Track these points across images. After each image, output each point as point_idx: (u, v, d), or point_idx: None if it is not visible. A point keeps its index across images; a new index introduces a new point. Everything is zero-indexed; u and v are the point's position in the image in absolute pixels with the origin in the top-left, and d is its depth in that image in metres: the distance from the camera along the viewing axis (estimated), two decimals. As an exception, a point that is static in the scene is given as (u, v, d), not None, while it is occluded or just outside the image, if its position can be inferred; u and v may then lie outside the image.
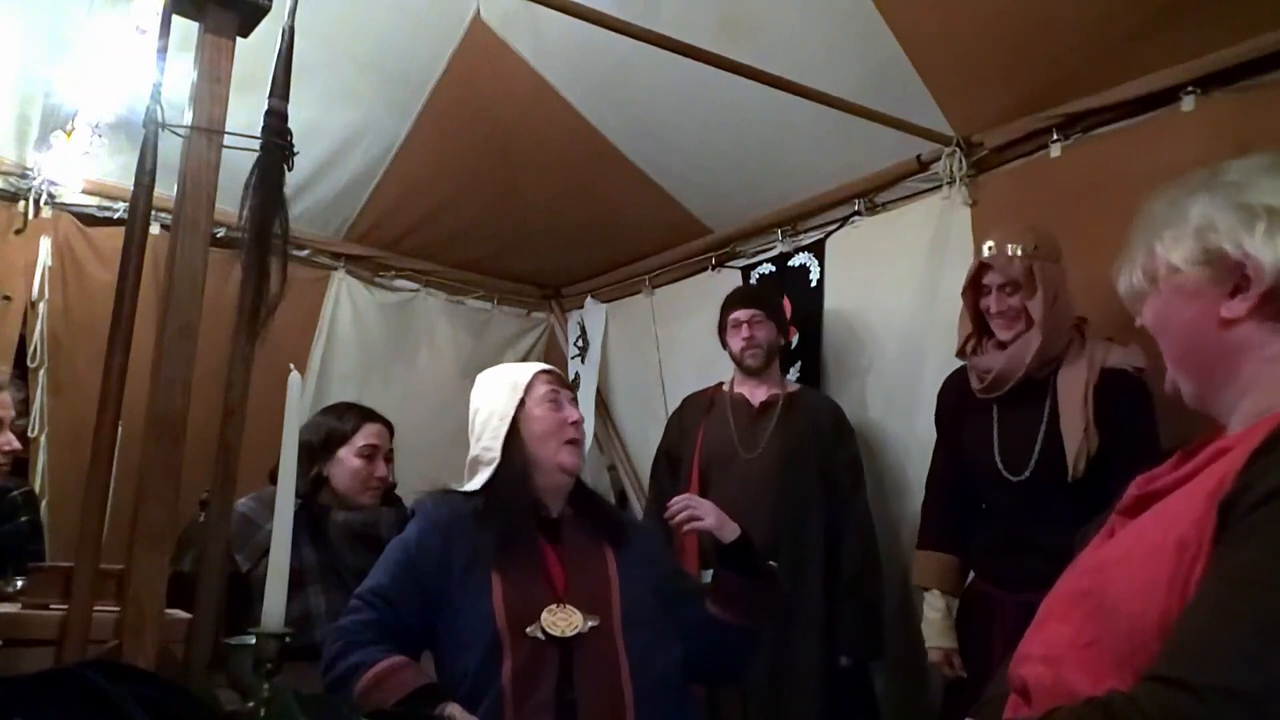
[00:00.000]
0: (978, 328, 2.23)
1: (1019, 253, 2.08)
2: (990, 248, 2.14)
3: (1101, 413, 1.97)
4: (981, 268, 2.17)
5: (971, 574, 2.25)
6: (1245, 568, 0.76)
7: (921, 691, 2.60)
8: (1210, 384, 0.96)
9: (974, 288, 2.21)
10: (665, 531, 2.76)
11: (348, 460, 2.28)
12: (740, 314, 2.81)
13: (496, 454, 1.76)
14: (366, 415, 2.38)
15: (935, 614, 2.24)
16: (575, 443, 1.81)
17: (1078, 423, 1.97)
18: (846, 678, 2.52)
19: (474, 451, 1.82)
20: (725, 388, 2.90)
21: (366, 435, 2.31)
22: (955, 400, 2.31)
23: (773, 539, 2.58)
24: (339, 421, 2.32)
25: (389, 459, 2.36)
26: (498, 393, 1.83)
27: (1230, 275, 0.91)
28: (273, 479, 2.22)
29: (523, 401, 1.80)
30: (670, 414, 3.09)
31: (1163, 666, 0.76)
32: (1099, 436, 1.96)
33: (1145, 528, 0.90)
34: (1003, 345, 2.13)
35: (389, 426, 2.40)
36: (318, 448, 2.27)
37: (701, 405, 2.92)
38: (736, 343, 2.81)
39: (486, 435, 1.80)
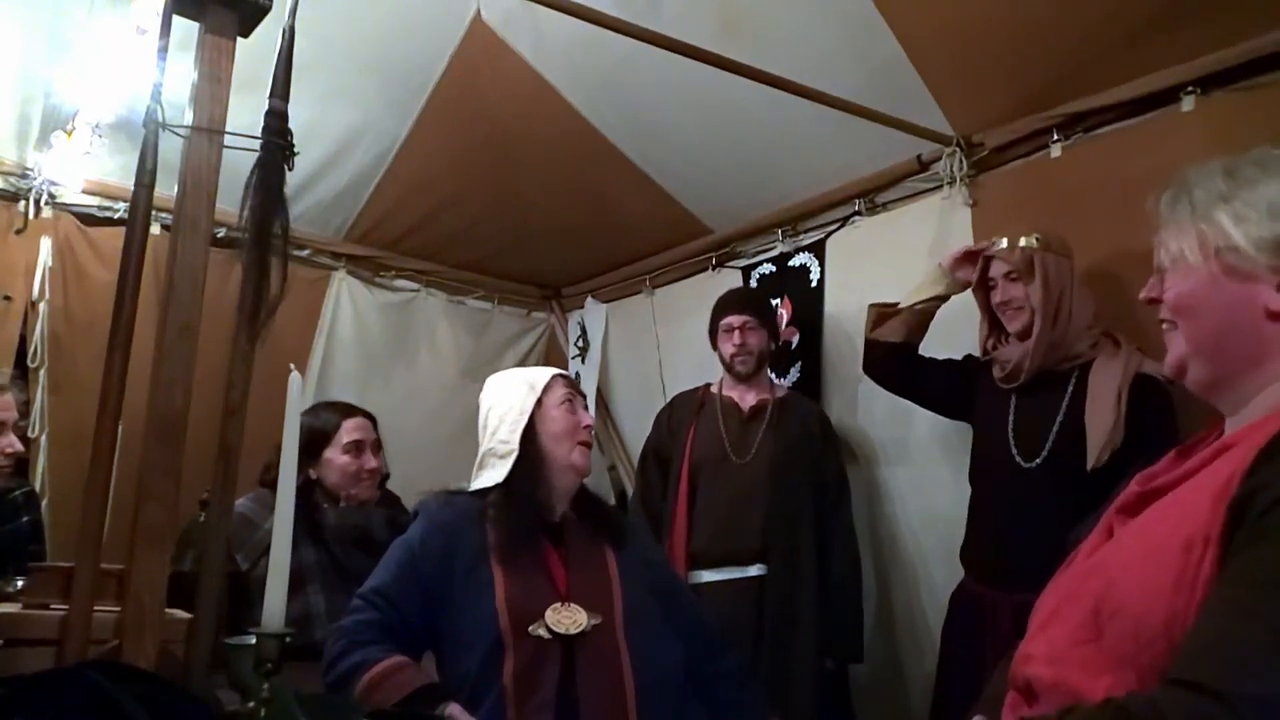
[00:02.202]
0: (993, 325, 2.27)
1: (1026, 244, 2.13)
2: (995, 240, 2.21)
3: (1128, 413, 1.97)
4: (987, 261, 2.22)
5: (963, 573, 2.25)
6: (1265, 568, 0.75)
7: (901, 696, 2.64)
8: (1230, 373, 0.92)
9: (982, 285, 2.25)
10: (654, 530, 2.78)
11: (335, 459, 2.27)
12: (733, 319, 2.80)
13: (515, 446, 1.78)
14: (345, 411, 2.37)
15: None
16: (587, 445, 1.84)
17: (1107, 414, 1.97)
18: (829, 679, 2.54)
19: (488, 445, 1.82)
20: (714, 389, 2.89)
21: (349, 431, 2.30)
22: (981, 370, 2.31)
23: (765, 543, 2.59)
24: (318, 422, 2.29)
25: (377, 449, 2.35)
26: (514, 391, 1.84)
27: None
28: (261, 482, 2.22)
29: (540, 401, 1.82)
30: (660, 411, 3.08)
31: (1183, 670, 0.75)
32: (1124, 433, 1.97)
33: (1148, 526, 0.90)
34: (1022, 339, 2.16)
35: (370, 417, 2.39)
36: (302, 452, 2.26)
37: (691, 406, 2.90)
38: (728, 348, 2.80)
39: (504, 429, 1.80)
